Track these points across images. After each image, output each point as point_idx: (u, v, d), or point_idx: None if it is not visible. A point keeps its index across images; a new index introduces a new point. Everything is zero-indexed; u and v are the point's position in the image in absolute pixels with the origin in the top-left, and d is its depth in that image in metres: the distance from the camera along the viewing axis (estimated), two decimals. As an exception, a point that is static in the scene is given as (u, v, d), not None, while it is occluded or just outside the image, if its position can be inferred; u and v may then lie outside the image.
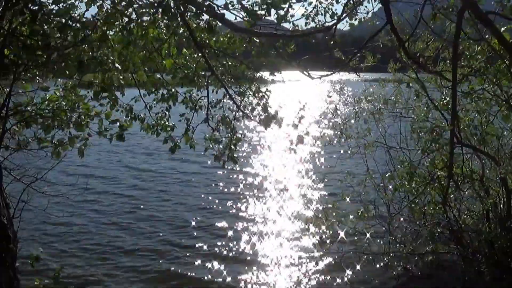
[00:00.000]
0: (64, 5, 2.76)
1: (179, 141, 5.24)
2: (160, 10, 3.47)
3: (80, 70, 2.61)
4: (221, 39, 5.33)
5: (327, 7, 5.41)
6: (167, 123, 5.28)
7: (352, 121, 8.27)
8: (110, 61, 3.48)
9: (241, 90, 5.52)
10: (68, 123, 4.24)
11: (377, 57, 5.99)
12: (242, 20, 4.51)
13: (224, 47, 5.36)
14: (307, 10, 5.47)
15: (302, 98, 5.60)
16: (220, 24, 4.51)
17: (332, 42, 5.28)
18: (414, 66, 6.52)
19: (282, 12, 4.12)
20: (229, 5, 3.66)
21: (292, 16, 4.94)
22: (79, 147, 4.45)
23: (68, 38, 2.80)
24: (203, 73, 5.38)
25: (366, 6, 5.39)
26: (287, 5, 4.20)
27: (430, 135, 6.46)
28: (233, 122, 5.48)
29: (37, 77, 4.42)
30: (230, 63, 5.59)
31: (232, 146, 5.33)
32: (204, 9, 3.89)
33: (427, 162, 7.13)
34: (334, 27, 5.06)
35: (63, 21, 2.71)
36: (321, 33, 5.74)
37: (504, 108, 6.23)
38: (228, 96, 5.37)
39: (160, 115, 5.31)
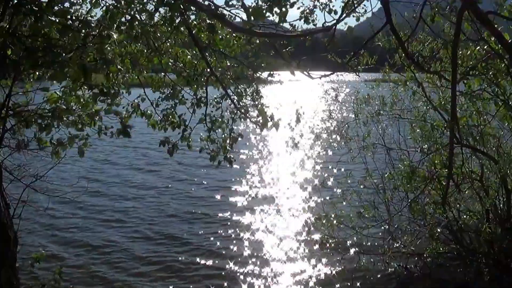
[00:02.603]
0: (64, 5, 2.76)
1: (176, 142, 5.26)
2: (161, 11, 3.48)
3: (85, 76, 2.61)
4: (224, 37, 5.35)
5: (325, 4, 5.40)
6: (174, 120, 5.32)
7: (350, 124, 8.27)
8: (113, 58, 3.48)
9: (239, 90, 5.54)
10: (68, 123, 4.23)
11: (375, 58, 5.98)
12: (242, 20, 4.52)
13: (227, 48, 5.38)
14: (303, 4, 5.46)
15: (300, 99, 5.63)
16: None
17: (330, 44, 5.27)
18: (413, 66, 6.52)
19: (283, 9, 4.11)
20: (229, 3, 3.66)
21: (289, 6, 4.94)
22: (79, 146, 4.45)
23: (69, 41, 2.80)
24: (206, 70, 5.40)
25: (364, 5, 5.38)
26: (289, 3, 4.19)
27: (430, 133, 6.45)
28: (230, 122, 5.51)
29: (38, 78, 4.42)
30: (229, 63, 5.61)
31: (228, 147, 5.34)
32: (205, 8, 3.89)
33: (427, 162, 7.13)
34: (334, 27, 5.05)
35: (64, 22, 2.71)
36: (321, 33, 5.74)
37: (502, 108, 6.23)
38: (226, 97, 5.40)
39: (167, 111, 5.36)
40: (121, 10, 3.11)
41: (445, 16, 5.51)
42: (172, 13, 3.23)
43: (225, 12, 4.02)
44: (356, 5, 5.17)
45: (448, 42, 5.76)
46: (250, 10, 3.16)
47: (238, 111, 5.44)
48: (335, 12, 5.17)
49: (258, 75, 5.73)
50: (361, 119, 7.88)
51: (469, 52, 6.09)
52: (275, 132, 5.39)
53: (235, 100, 5.45)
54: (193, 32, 4.74)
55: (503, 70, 5.91)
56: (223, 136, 5.46)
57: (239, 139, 5.57)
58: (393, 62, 6.88)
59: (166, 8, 3.72)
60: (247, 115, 5.44)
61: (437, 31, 6.10)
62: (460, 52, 6.03)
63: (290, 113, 5.58)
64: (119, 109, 4.65)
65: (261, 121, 5.20)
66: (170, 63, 5.18)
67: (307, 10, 5.38)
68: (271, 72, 5.73)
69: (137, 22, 3.52)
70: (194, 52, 5.39)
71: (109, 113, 4.12)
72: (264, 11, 3.65)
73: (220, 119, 5.54)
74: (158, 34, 4.72)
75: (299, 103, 5.55)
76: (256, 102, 5.45)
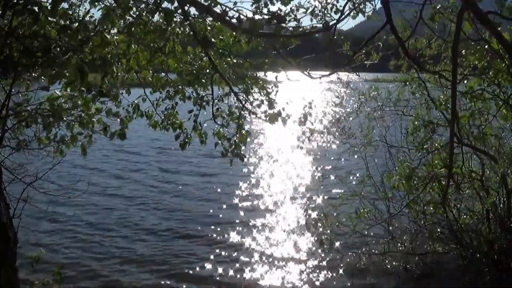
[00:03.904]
0: (63, 5, 2.77)
1: (189, 136, 5.28)
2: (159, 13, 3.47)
3: (82, 78, 2.62)
4: (226, 39, 5.35)
5: (332, 3, 5.36)
6: (175, 120, 5.32)
7: (351, 118, 8.26)
8: (113, 60, 3.49)
9: (246, 87, 5.53)
10: (69, 122, 4.24)
11: (379, 55, 5.95)
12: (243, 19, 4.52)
13: (228, 47, 5.38)
14: (311, 5, 5.42)
15: (307, 96, 5.61)
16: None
17: (334, 39, 5.24)
18: (413, 65, 6.52)
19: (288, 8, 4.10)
20: (229, 12, 3.66)
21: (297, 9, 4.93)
22: (81, 144, 4.43)
23: (68, 41, 2.80)
24: (207, 70, 5.39)
25: (371, 2, 5.32)
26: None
27: (425, 131, 6.45)
28: (239, 119, 5.49)
29: (36, 78, 4.43)
30: (234, 61, 5.60)
31: (239, 143, 5.34)
32: (205, 8, 3.89)
33: (427, 162, 7.12)
34: (334, 26, 5.04)
35: (62, 22, 2.71)
36: (321, 33, 5.72)
37: (503, 108, 6.22)
38: (232, 94, 5.40)
39: (167, 112, 5.36)
40: (120, 11, 3.11)
41: (446, 15, 5.51)
42: (168, 20, 3.21)
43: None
44: (356, 5, 5.15)
45: (448, 42, 5.76)
46: (249, 22, 3.16)
47: (245, 108, 5.42)
48: (342, 13, 5.13)
49: (262, 74, 5.73)
50: (364, 113, 7.88)
51: (469, 52, 6.09)
52: (282, 128, 5.39)
53: (241, 97, 5.43)
54: (196, 30, 4.73)
55: (503, 70, 5.90)
56: (236, 134, 5.44)
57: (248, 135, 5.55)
58: (399, 60, 6.85)
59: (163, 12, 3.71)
60: (255, 111, 5.42)
61: (437, 31, 6.10)
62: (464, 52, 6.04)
63: (298, 109, 5.55)
64: (119, 110, 4.66)
65: (269, 116, 5.19)
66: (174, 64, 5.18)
67: (316, 10, 5.35)
68: (278, 70, 5.72)
69: (136, 21, 3.52)
70: (197, 52, 5.39)
71: (109, 114, 4.12)
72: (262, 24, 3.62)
73: (229, 117, 5.53)
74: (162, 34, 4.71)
75: (308, 100, 5.50)
76: (265, 98, 5.43)
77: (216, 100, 5.60)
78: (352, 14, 5.19)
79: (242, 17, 3.67)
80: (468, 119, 6.87)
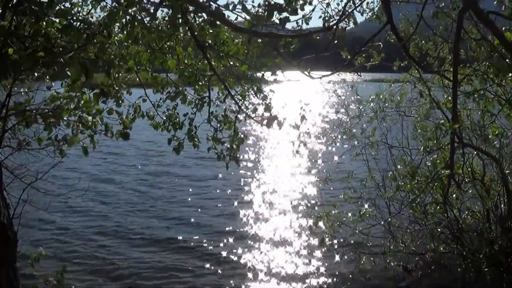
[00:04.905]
0: (64, 5, 2.75)
1: (182, 141, 5.25)
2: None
3: (86, 75, 2.60)
4: (225, 38, 5.33)
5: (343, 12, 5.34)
6: (177, 121, 5.32)
7: (353, 120, 8.24)
8: (115, 59, 3.47)
9: (243, 90, 5.51)
10: (69, 122, 4.21)
11: (382, 57, 5.94)
12: (243, 20, 4.51)
13: (227, 50, 5.36)
14: (323, 12, 5.41)
15: (304, 98, 5.56)
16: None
17: (335, 42, 5.23)
18: (414, 66, 6.51)
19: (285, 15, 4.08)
20: (230, 6, 3.63)
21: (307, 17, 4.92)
22: (82, 146, 4.40)
23: (70, 40, 2.78)
24: (208, 73, 5.37)
25: (368, 3, 5.33)
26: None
27: (433, 133, 6.43)
28: (235, 122, 5.47)
29: (38, 77, 4.40)
30: (231, 63, 5.58)
31: (235, 146, 5.32)
32: (205, 7, 3.88)
33: (429, 162, 7.11)
34: (334, 27, 5.03)
35: (65, 22, 2.70)
36: (322, 33, 5.71)
37: (505, 108, 6.21)
38: (230, 97, 5.37)
39: (169, 112, 5.35)
40: (122, 8, 3.09)
41: (448, 15, 5.51)
42: (173, 13, 3.20)
43: (226, 12, 4.00)
44: (356, 6, 5.15)
45: (448, 42, 5.75)
46: (252, 15, 3.14)
47: (241, 111, 5.39)
48: (355, 22, 5.11)
49: (260, 74, 5.70)
50: (365, 115, 7.86)
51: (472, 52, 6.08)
52: (277, 131, 5.35)
53: (238, 101, 5.41)
54: (195, 32, 4.72)
55: (505, 69, 5.88)
56: (230, 136, 5.41)
57: (245, 138, 5.51)
58: (402, 60, 6.83)
59: (167, 9, 3.71)
60: (251, 114, 5.38)
61: (439, 32, 6.09)
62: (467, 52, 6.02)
63: (294, 112, 5.53)
64: (120, 110, 4.63)
65: (266, 119, 5.15)
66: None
67: (327, 17, 5.33)
68: (275, 72, 5.68)
69: (137, 23, 3.50)
70: (196, 54, 5.38)
71: (111, 113, 4.10)
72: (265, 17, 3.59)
73: (225, 120, 5.50)
74: (162, 35, 4.69)
75: (303, 102, 5.46)
76: (261, 101, 5.41)
77: (213, 103, 5.58)
78: (352, 20, 5.17)
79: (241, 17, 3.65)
80: (472, 120, 6.87)
